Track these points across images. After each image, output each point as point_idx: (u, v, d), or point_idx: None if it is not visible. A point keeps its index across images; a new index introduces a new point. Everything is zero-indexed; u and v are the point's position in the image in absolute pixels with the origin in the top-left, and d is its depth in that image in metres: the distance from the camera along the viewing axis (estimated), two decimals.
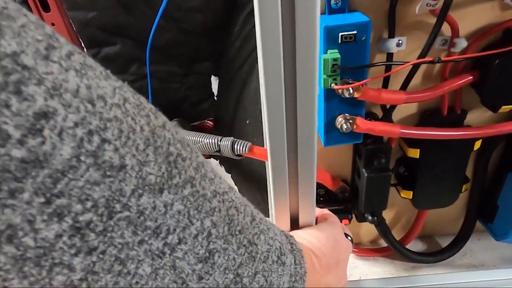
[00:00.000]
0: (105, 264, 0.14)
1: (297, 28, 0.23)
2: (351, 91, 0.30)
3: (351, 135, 0.35)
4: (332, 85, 0.30)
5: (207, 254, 0.17)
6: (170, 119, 0.64)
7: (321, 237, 0.28)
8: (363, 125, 0.33)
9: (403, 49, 0.33)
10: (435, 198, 0.42)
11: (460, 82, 0.33)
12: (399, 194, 0.43)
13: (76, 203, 0.13)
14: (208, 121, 0.81)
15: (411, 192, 0.42)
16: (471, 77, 0.33)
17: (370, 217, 0.42)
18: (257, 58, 0.25)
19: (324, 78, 0.30)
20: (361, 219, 0.44)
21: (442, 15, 0.29)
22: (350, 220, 0.44)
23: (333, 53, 0.29)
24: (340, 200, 0.44)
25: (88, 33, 0.63)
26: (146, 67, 0.65)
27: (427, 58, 0.30)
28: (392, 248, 0.47)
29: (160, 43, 0.63)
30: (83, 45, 0.66)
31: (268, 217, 0.33)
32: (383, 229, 0.45)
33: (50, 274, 0.13)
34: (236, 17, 0.58)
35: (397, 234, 0.48)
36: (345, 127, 0.33)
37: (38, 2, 0.60)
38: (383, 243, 0.49)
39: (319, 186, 0.44)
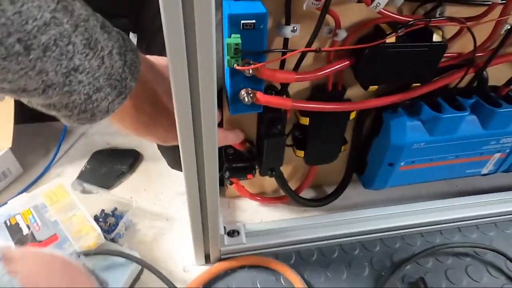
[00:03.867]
0: None
1: (197, 16, 0.27)
2: (251, 71, 0.36)
3: (253, 106, 0.41)
4: (235, 65, 0.35)
5: None
6: None
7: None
8: (262, 98, 0.39)
9: (298, 34, 0.40)
10: (321, 156, 0.52)
11: (339, 66, 0.41)
12: (294, 153, 0.52)
13: None
14: None
15: (303, 152, 0.51)
16: (348, 62, 0.41)
17: (269, 172, 0.51)
18: None
19: (228, 59, 0.35)
20: (263, 173, 0.52)
21: (323, 14, 0.35)
22: (254, 175, 0.52)
23: (236, 38, 0.34)
24: (246, 158, 0.51)
25: None
26: None
27: (312, 48, 0.37)
28: (288, 196, 0.57)
29: None
30: None
31: None
32: (282, 181, 0.55)
33: None
34: None
35: (293, 185, 0.58)
36: (247, 100, 0.39)
37: None
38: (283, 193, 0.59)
39: (229, 146, 0.50)
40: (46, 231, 0.46)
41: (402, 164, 0.51)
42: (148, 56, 0.36)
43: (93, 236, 0.46)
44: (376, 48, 0.39)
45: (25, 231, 0.46)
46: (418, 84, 0.46)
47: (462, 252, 0.54)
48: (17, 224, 0.47)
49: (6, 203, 0.51)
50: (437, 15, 0.42)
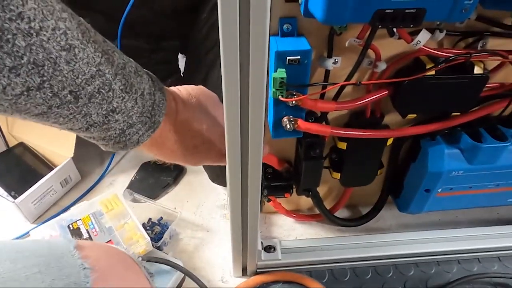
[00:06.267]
0: None
1: (251, 53, 0.30)
2: (294, 102, 0.39)
3: (294, 131, 0.44)
4: (279, 97, 0.38)
5: (67, 46, 0.24)
6: None
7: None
8: (302, 125, 0.42)
9: (339, 66, 0.42)
10: (357, 179, 0.54)
11: (377, 96, 0.43)
12: (331, 175, 0.54)
13: None
14: None
15: (339, 174, 0.53)
16: (386, 92, 0.43)
17: (306, 192, 0.53)
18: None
19: (273, 91, 0.38)
20: (300, 193, 0.54)
21: (365, 50, 0.37)
22: (291, 194, 0.54)
23: (281, 73, 0.37)
24: (284, 177, 0.54)
25: None
26: (114, 42, 0.68)
27: (352, 82, 0.39)
28: (323, 215, 0.59)
29: (130, 20, 0.66)
30: None
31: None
32: (317, 201, 0.57)
33: None
34: (205, 4, 0.63)
35: (328, 204, 0.60)
36: (289, 126, 0.42)
37: None
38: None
39: (268, 166, 0.53)
40: (103, 236, 0.51)
41: (439, 190, 0.51)
42: (172, 88, 0.38)
43: (143, 243, 0.51)
44: (415, 80, 0.41)
45: (85, 235, 0.51)
46: (458, 113, 0.46)
47: (501, 283, 0.53)
48: (78, 228, 0.52)
49: (69, 208, 0.57)
50: (479, 47, 0.42)
